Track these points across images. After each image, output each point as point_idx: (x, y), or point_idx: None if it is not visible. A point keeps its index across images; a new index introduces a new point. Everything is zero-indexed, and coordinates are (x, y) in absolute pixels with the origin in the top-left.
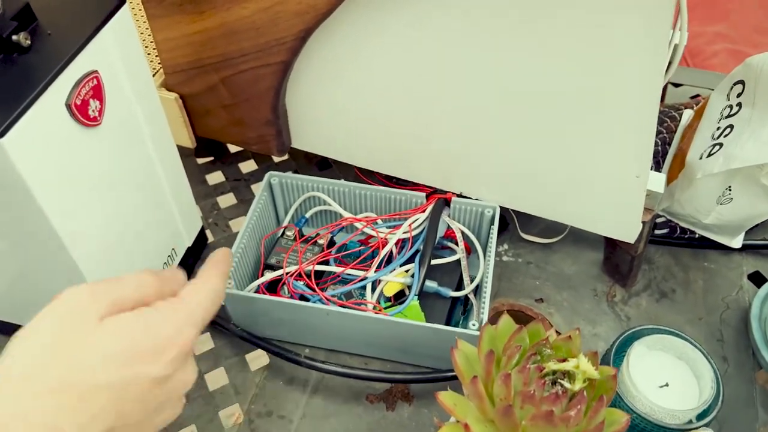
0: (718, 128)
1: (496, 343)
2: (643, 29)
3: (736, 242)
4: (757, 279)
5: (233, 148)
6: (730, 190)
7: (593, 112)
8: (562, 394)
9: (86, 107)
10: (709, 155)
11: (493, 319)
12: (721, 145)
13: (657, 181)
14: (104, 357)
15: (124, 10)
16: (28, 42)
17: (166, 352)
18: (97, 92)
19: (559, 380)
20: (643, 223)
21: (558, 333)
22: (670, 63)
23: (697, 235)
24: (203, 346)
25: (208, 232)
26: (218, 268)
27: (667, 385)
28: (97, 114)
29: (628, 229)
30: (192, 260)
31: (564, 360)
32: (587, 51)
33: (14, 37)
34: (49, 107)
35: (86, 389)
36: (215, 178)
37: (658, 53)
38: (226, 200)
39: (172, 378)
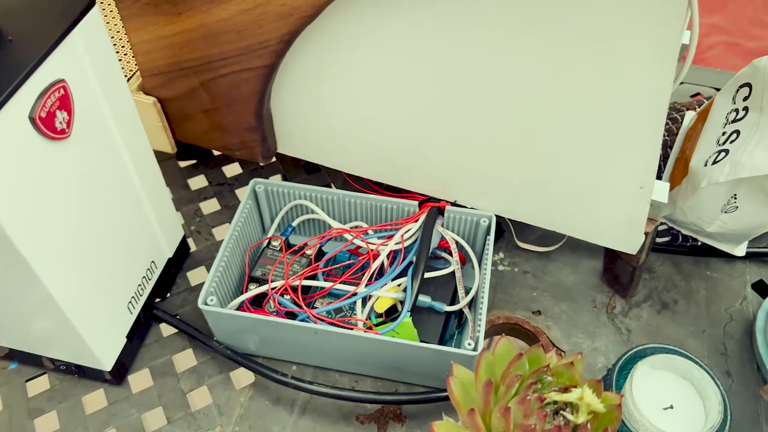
0: (724, 133)
1: (494, 369)
2: (652, 32)
3: (740, 250)
4: (761, 288)
5: (217, 151)
6: (735, 198)
7: (596, 120)
8: (564, 426)
9: (52, 119)
10: (715, 162)
11: (489, 332)
12: (727, 151)
13: (661, 190)
14: None
15: (95, 11)
16: None
17: None
18: (65, 103)
19: (561, 411)
20: (646, 233)
21: (559, 350)
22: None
23: (699, 243)
24: (185, 363)
25: (190, 241)
26: None
27: (671, 407)
28: (64, 126)
29: (630, 240)
30: (174, 270)
31: (566, 389)
32: (591, 55)
33: None
34: (11, 121)
35: None
36: (198, 182)
37: (667, 57)
38: (210, 206)
39: None
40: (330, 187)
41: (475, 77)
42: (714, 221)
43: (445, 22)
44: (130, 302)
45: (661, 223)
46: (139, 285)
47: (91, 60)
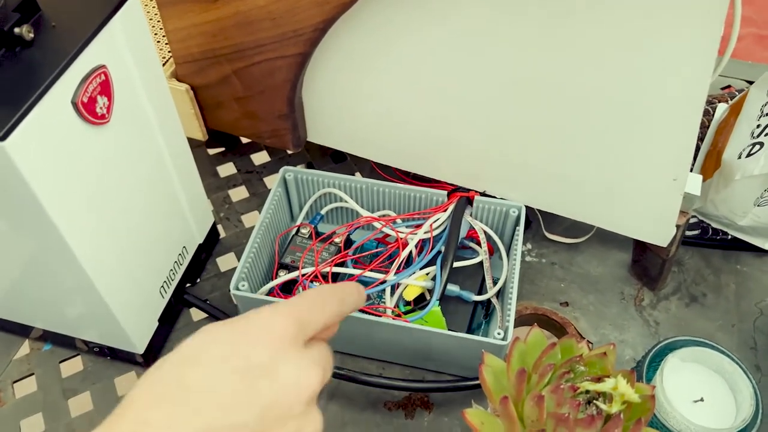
0: (758, 126)
1: (526, 358)
2: (692, 23)
3: None
4: None
5: (246, 139)
6: None
7: (631, 111)
8: (597, 416)
9: (94, 104)
10: (749, 155)
11: (516, 323)
12: (761, 144)
13: (694, 183)
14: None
15: None
16: (31, 35)
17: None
18: (105, 88)
19: (593, 400)
20: (677, 226)
21: (589, 343)
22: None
23: (729, 237)
24: None
25: (219, 228)
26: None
27: (702, 399)
28: (105, 111)
29: (661, 233)
30: (204, 255)
31: (599, 379)
32: (627, 48)
33: (16, 30)
34: (54, 106)
35: None
36: (227, 170)
37: (707, 49)
38: (238, 193)
39: None
40: (356, 175)
41: (508, 68)
42: (746, 214)
43: (479, 14)
44: (162, 287)
45: (692, 216)
46: (171, 270)
47: (130, 47)
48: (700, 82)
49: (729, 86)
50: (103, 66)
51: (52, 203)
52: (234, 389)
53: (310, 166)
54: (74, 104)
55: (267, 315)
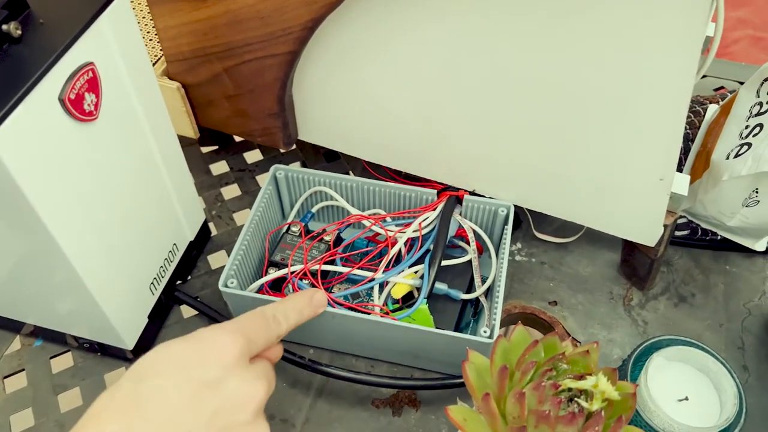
0: (747, 127)
1: (509, 356)
2: (675, 22)
3: (760, 245)
4: None
5: (238, 137)
6: (757, 192)
7: (617, 110)
8: (578, 413)
9: (81, 101)
10: (737, 156)
11: (504, 321)
12: (749, 145)
13: (681, 183)
14: None
15: None
16: (19, 32)
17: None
18: (93, 85)
19: (575, 398)
20: (665, 226)
21: (575, 341)
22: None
23: (718, 237)
24: None
25: (211, 225)
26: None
27: (686, 398)
28: (92, 108)
29: (649, 232)
30: (195, 253)
31: (581, 377)
32: (614, 46)
33: (4, 27)
34: (41, 102)
35: None
36: (219, 168)
37: (691, 49)
38: (230, 191)
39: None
40: (349, 174)
41: (497, 68)
42: (735, 215)
43: (468, 12)
44: (152, 283)
45: (681, 216)
46: (161, 267)
47: (119, 44)
48: (684, 82)
49: (722, 87)
50: (91, 63)
51: (40, 200)
52: (185, 400)
53: (303, 164)
54: (61, 101)
55: (216, 333)
